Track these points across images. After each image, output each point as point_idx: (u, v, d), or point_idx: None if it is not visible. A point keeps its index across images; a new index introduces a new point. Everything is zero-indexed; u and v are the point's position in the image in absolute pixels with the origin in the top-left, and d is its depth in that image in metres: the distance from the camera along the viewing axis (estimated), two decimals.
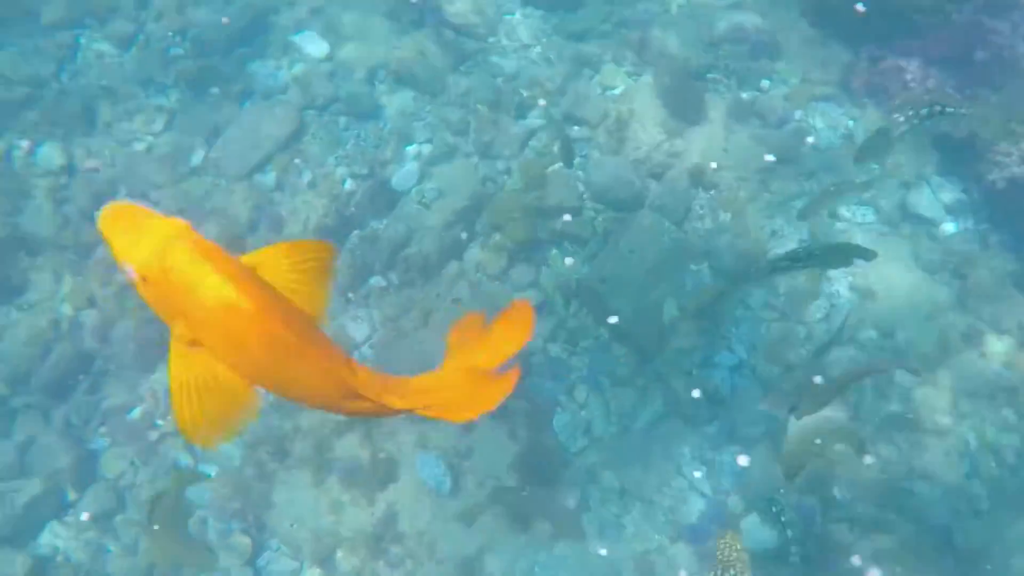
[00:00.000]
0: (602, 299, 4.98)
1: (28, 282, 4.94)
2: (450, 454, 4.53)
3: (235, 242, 4.95)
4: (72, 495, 4.52)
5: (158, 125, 5.40)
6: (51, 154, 5.22)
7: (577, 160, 5.15)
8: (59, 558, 4.41)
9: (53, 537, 4.46)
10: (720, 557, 3.17)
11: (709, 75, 5.75)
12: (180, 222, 1.66)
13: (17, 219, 5.04)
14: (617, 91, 5.59)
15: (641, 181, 5.22)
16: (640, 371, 5.07)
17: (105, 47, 5.68)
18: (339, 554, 4.37)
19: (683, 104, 5.36)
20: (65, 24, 5.65)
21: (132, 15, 5.72)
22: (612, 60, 5.65)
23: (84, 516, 4.48)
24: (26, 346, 4.70)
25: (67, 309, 4.89)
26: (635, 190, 5.20)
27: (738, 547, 3.18)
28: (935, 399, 5.05)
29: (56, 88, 5.49)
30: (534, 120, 5.45)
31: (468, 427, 4.59)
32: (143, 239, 1.61)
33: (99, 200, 5.24)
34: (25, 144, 5.27)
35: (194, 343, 1.65)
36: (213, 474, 4.58)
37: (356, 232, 5.06)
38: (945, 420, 4.85)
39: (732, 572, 3.10)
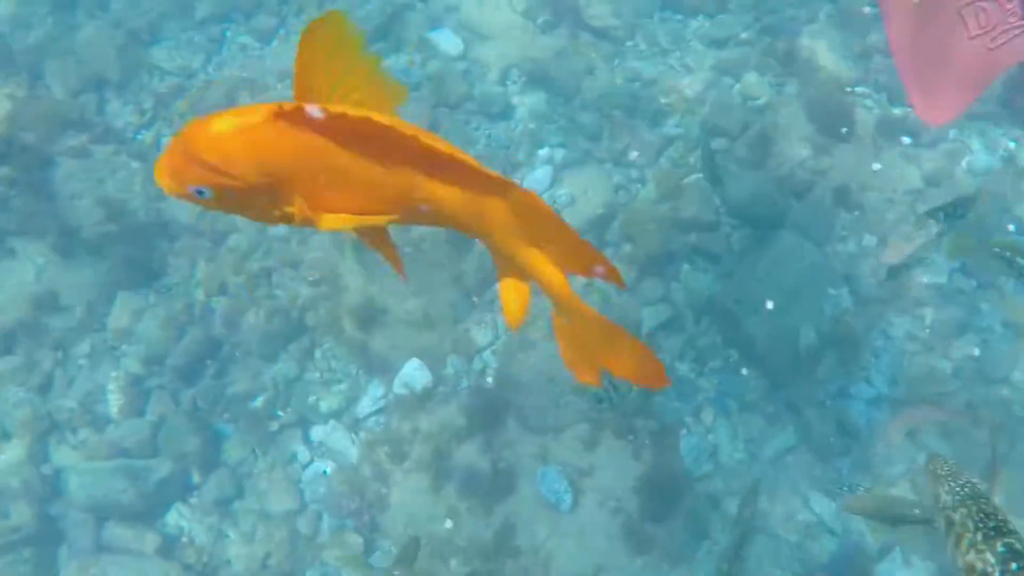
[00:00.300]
0: (735, 320, 4.72)
1: (166, 266, 5.00)
2: (572, 470, 4.40)
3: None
4: (197, 478, 4.54)
5: None
6: None
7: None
8: (184, 539, 4.44)
9: (179, 517, 4.51)
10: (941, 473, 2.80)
11: (858, 88, 5.38)
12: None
13: (160, 205, 5.10)
14: (760, 102, 5.30)
15: (783, 198, 4.92)
16: (770, 397, 4.79)
17: (248, 40, 5.71)
18: (452, 563, 4.25)
19: (830, 119, 5.06)
20: (215, 18, 5.70)
21: (275, 10, 5.72)
22: (755, 69, 5.35)
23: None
24: (162, 329, 4.77)
25: (200, 295, 4.92)
26: (776, 207, 4.93)
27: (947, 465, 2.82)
28: None
29: (203, 78, 5.54)
30: (671, 128, 5.20)
31: (592, 445, 4.42)
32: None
33: None
34: (170, 133, 5.34)
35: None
36: (329, 471, 4.53)
37: None
38: None
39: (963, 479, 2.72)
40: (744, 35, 5.63)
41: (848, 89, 5.44)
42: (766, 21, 5.65)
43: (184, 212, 5.26)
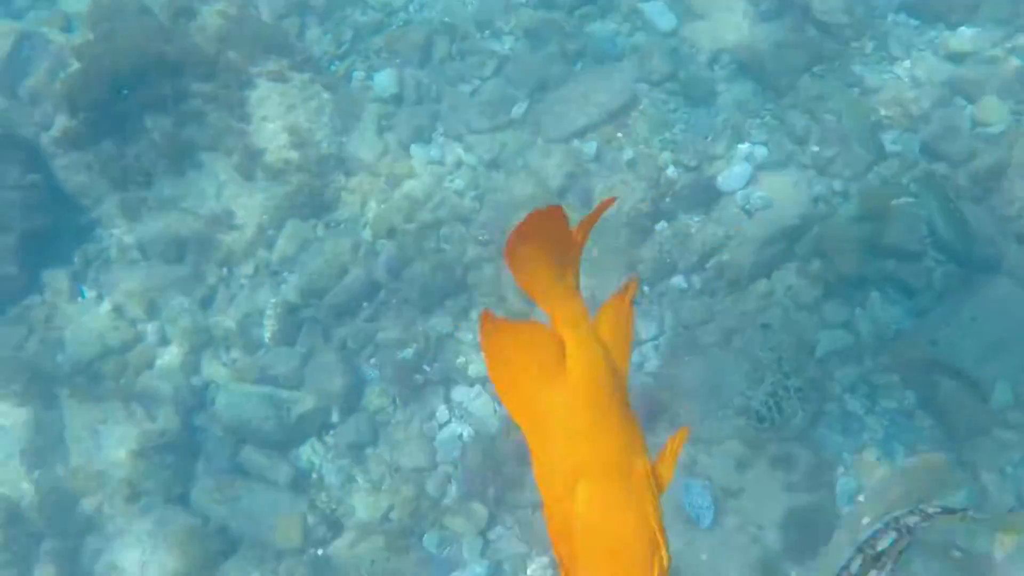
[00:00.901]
0: (927, 363, 4.23)
1: (339, 201, 4.88)
2: (718, 488, 4.02)
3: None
4: (336, 417, 4.44)
5: (488, 70, 5.16)
6: (386, 81, 5.13)
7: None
8: (314, 475, 4.36)
9: (312, 454, 4.43)
10: None
11: None
12: None
13: (343, 139, 4.98)
14: (994, 130, 4.70)
15: (1004, 241, 4.35)
16: (944, 451, 4.29)
17: None
18: None
19: None
20: None
21: None
22: (996, 93, 4.73)
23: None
24: (327, 264, 4.67)
25: (368, 235, 4.78)
26: (994, 250, 4.39)
27: None
28: None
29: (403, 18, 5.36)
30: (888, 144, 4.68)
31: (744, 465, 4.06)
32: None
33: (419, 134, 5.09)
34: (364, 68, 5.21)
35: None
36: (466, 436, 4.33)
37: (665, 224, 4.57)
38: None
39: None
40: (991, 52, 4.97)
41: None
42: (1022, 40, 4.97)
43: (365, 149, 5.13)
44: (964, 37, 5.15)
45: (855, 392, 4.56)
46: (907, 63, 5.17)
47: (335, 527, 4.39)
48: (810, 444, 4.37)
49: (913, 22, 5.33)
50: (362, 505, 4.42)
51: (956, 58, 5.14)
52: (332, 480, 4.54)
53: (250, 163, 5.01)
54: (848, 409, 4.52)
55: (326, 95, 5.27)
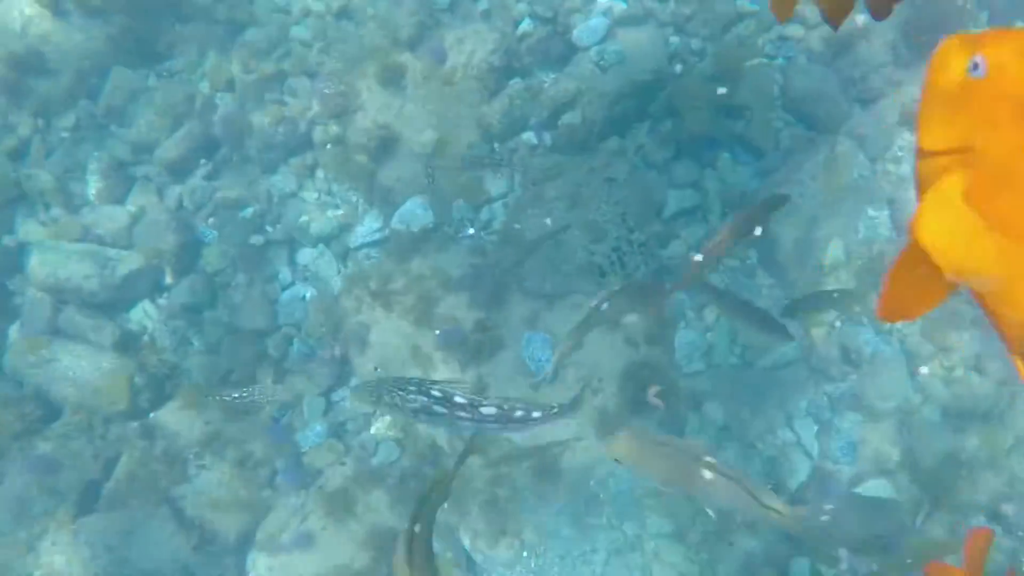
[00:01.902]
0: (767, 225, 4.09)
1: (173, 50, 4.32)
2: (560, 341, 3.83)
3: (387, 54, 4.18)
4: (169, 279, 4.01)
5: None
6: None
7: (779, 60, 4.16)
8: (145, 338, 3.95)
9: (143, 316, 4.03)
10: None
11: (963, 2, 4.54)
12: None
13: None
14: None
15: (847, 102, 4.19)
16: (779, 307, 4.24)
17: None
18: None
19: (923, 28, 4.24)
20: None
21: None
22: None
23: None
24: (158, 115, 4.18)
25: (205, 87, 4.26)
26: (837, 110, 4.22)
27: None
28: None
29: None
30: (745, 3, 4.41)
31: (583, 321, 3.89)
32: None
33: None
34: None
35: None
36: (308, 296, 3.99)
37: (518, 80, 4.21)
38: None
39: None
40: None
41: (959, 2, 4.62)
42: None
43: None
44: None
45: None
46: None
47: (166, 391, 4.03)
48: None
49: None
50: (198, 367, 4.07)
51: None
52: (165, 343, 4.15)
53: None
54: None
55: None
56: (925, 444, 4.21)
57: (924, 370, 4.33)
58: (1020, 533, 4.12)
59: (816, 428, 4.26)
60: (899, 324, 4.35)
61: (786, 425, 4.27)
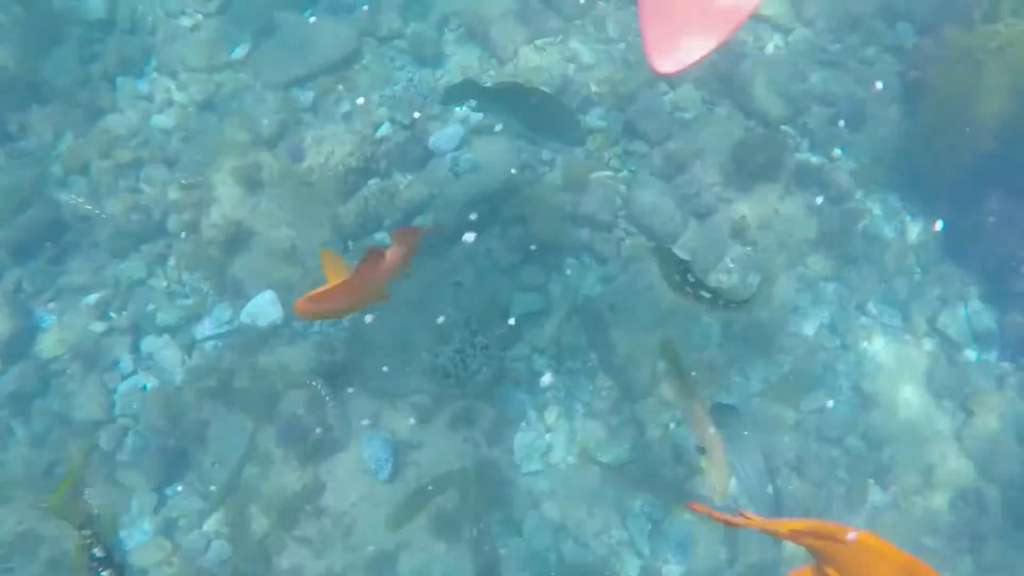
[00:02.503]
0: (604, 326, 4.20)
1: (28, 130, 4.15)
2: (400, 441, 3.82)
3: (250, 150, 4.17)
4: None
5: (212, 6, 4.55)
6: (96, 5, 4.39)
7: (623, 173, 4.34)
8: None
9: None
10: None
11: (784, 127, 4.85)
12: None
13: (39, 62, 4.24)
14: (688, 116, 4.72)
15: (682, 217, 4.40)
16: (619, 409, 4.32)
17: None
18: (252, 509, 3.66)
19: (750, 150, 4.49)
20: None
21: None
22: (692, 82, 4.75)
23: None
24: (4, 197, 3.95)
25: (58, 170, 4.12)
26: (673, 224, 4.42)
27: None
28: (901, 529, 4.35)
29: None
30: (595, 118, 4.60)
31: (426, 418, 3.86)
32: None
33: (127, 66, 4.42)
34: None
35: None
36: (149, 387, 3.84)
37: (376, 180, 4.25)
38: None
39: None
40: None
41: (775, 125, 4.93)
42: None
43: (62, 76, 4.41)
44: None
45: (544, 353, 4.52)
46: (623, 46, 5.13)
47: None
48: (494, 400, 4.26)
49: (635, 9, 5.27)
50: (17, 459, 3.83)
51: None
52: None
53: None
54: (535, 368, 4.47)
55: (18, 10, 4.46)
56: (750, 543, 4.35)
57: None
58: None
59: (649, 527, 4.34)
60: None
61: (620, 524, 4.33)
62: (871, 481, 4.53)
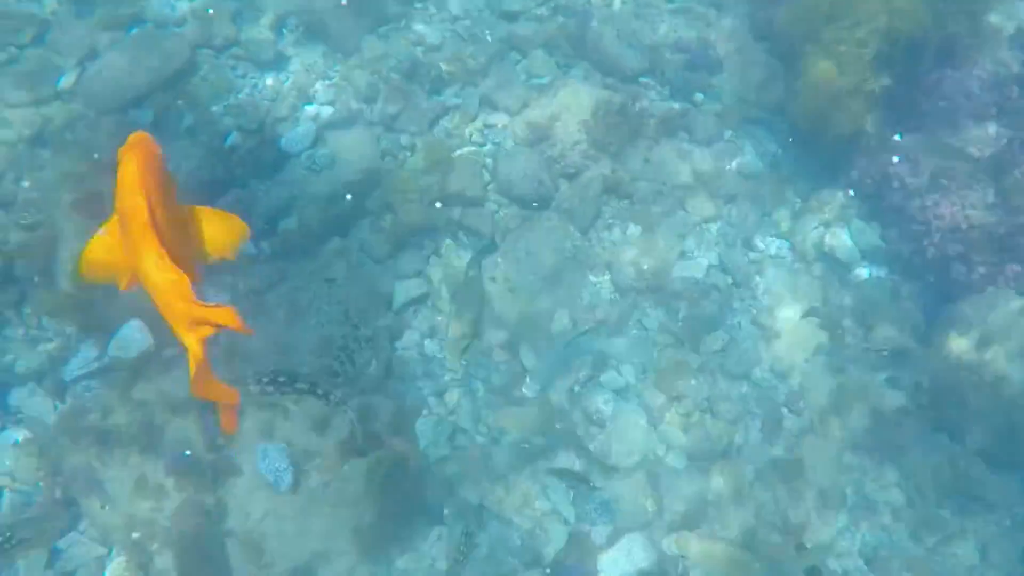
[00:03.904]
0: (489, 300, 4.50)
1: None
2: (296, 448, 4.02)
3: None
4: None
5: (26, 36, 4.68)
6: None
7: (487, 147, 4.67)
8: None
9: None
10: None
11: (642, 79, 5.29)
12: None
13: None
14: (543, 80, 5.09)
15: (552, 180, 4.86)
16: (520, 381, 4.61)
17: None
18: (154, 546, 3.80)
19: (609, 105, 4.89)
20: None
21: None
22: (544, 47, 5.14)
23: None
24: None
25: None
26: (544, 189, 4.88)
27: None
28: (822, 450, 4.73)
29: None
30: (450, 98, 4.93)
31: (320, 423, 4.06)
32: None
33: None
34: None
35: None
36: (21, 439, 3.94)
37: (235, 191, 4.47)
38: (826, 472, 4.57)
39: None
40: (537, 11, 5.41)
41: (633, 79, 5.34)
42: (561, 1, 5.47)
43: None
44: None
45: (434, 336, 4.79)
46: (468, 22, 5.55)
47: None
48: (389, 393, 4.49)
49: None
50: None
51: (510, 16, 5.56)
52: None
53: None
54: (427, 354, 4.73)
55: None
56: (675, 491, 4.67)
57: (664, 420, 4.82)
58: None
59: (572, 494, 4.62)
60: (632, 380, 4.84)
61: (542, 495, 4.59)
62: (784, 410, 4.95)
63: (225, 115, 4.91)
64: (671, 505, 4.67)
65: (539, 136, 5.17)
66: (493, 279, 4.71)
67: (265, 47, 5.18)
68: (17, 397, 4.37)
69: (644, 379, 4.89)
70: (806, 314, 5.02)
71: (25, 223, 4.50)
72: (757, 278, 5.27)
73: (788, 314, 5.14)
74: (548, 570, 4.41)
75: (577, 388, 4.80)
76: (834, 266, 5.30)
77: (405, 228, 4.82)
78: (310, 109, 5.05)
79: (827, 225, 5.39)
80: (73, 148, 4.72)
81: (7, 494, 4.16)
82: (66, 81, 4.92)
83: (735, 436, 4.85)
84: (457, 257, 4.94)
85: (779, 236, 5.38)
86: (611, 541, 4.52)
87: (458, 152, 5.09)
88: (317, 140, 4.93)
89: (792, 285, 5.24)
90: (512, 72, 5.38)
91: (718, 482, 4.80)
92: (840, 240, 5.34)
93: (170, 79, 4.95)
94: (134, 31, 5.15)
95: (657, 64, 5.61)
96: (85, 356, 4.40)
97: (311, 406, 4.40)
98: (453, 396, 4.71)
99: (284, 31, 5.32)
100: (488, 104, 5.27)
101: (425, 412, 4.62)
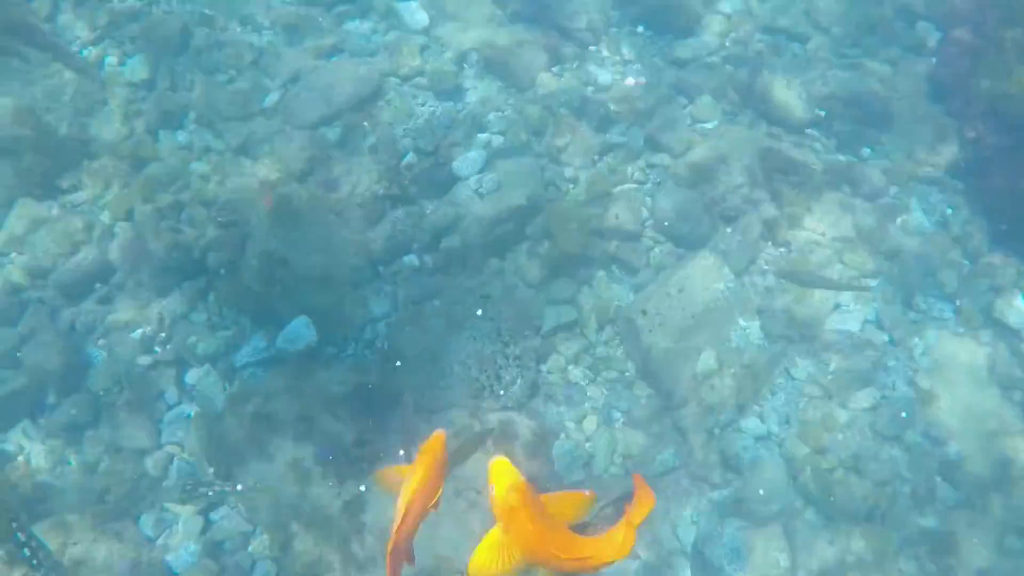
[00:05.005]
0: (638, 332, 4.37)
1: (80, 183, 4.67)
2: None
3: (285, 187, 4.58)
4: (52, 398, 4.16)
5: (244, 61, 5.06)
6: (138, 68, 5.06)
7: (648, 185, 4.62)
8: (20, 458, 4.06)
9: (22, 435, 4.18)
10: None
11: (808, 130, 5.09)
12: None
13: (87, 120, 4.79)
14: (708, 125, 4.99)
15: (711, 221, 4.67)
16: (659, 416, 4.46)
17: None
18: (294, 527, 3.87)
19: (774, 154, 4.73)
20: None
21: None
22: (711, 93, 5.05)
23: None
24: (56, 242, 4.49)
25: (105, 217, 4.66)
26: (702, 229, 4.74)
27: None
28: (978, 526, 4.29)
29: (164, 8, 5.21)
30: (615, 136, 4.91)
31: (464, 434, 4.09)
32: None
33: (168, 119, 4.92)
34: (117, 54, 5.43)
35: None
36: (192, 414, 4.15)
37: (404, 207, 4.59)
38: (982, 553, 4.12)
39: None
40: (707, 59, 5.35)
41: (799, 129, 5.18)
42: (734, 50, 5.39)
43: (109, 131, 4.97)
44: (688, 44, 5.53)
45: (579, 363, 4.72)
46: (638, 66, 5.53)
47: (37, 514, 4.07)
48: (532, 414, 4.44)
49: (649, 32, 5.68)
50: (73, 487, 4.16)
51: (680, 63, 5.50)
52: (40, 462, 4.29)
53: None
54: (571, 379, 4.66)
55: (68, 74, 5.06)
56: (811, 548, 4.35)
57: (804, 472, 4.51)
58: None
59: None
60: (776, 428, 4.59)
61: (671, 533, 4.38)
62: (938, 479, 4.52)
63: (404, 137, 5.12)
64: (806, 562, 4.35)
65: (701, 177, 5.08)
66: (644, 312, 4.59)
67: (447, 78, 5.39)
68: (194, 376, 4.67)
69: (787, 429, 4.62)
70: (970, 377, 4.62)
71: (222, 220, 4.83)
72: (916, 339, 4.91)
73: (948, 379, 4.74)
74: None
75: (716, 431, 4.59)
76: (1003, 333, 4.86)
77: (561, 256, 4.84)
78: (482, 136, 5.19)
79: (998, 291, 4.97)
80: (268, 158, 5.04)
81: (176, 462, 4.43)
82: (271, 100, 5.29)
83: (881, 500, 4.48)
84: (608, 288, 4.88)
85: (942, 298, 5.00)
86: None
87: (619, 188, 5.06)
88: (486, 166, 5.08)
89: (954, 349, 4.84)
90: (678, 115, 5.32)
91: (859, 545, 4.44)
92: (1013, 307, 4.90)
93: (359, 102, 5.24)
94: (333, 59, 5.50)
95: (825, 117, 5.40)
96: (256, 345, 4.65)
97: (456, 416, 4.43)
98: (591, 424, 4.61)
99: (465, 65, 5.52)
100: (652, 144, 5.22)
101: (563, 436, 4.54)
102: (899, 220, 5.24)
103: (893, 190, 5.34)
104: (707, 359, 4.76)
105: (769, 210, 5.10)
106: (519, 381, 4.58)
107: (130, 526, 4.34)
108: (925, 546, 4.44)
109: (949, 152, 5.41)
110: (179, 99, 5.39)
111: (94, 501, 4.27)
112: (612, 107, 5.44)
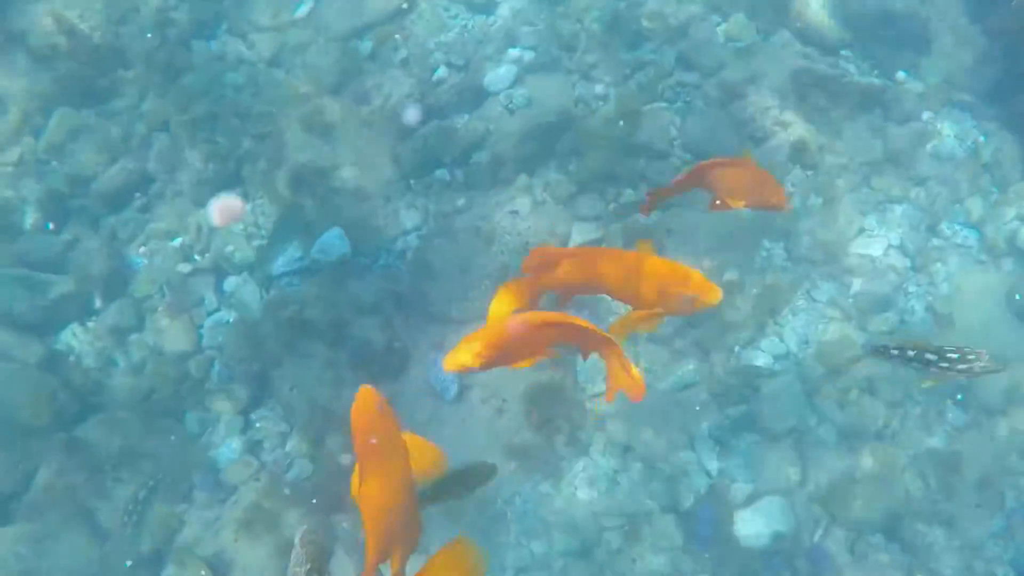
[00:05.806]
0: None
1: (114, 92, 4.69)
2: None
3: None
4: (99, 303, 4.28)
5: None
6: None
7: (678, 104, 4.51)
8: (71, 358, 4.20)
9: (71, 337, 4.31)
10: None
11: (843, 51, 4.92)
12: None
13: (120, 29, 4.71)
14: (741, 44, 4.84)
15: (740, 141, 4.59)
16: (681, 333, 4.49)
17: None
18: (328, 429, 4.00)
19: (806, 75, 4.61)
20: None
21: None
22: (745, 11, 4.88)
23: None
24: (96, 152, 4.53)
25: (142, 127, 4.61)
26: (730, 149, 4.56)
27: None
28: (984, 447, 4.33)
29: None
30: (646, 53, 4.78)
31: None
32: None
33: (201, 28, 4.83)
34: None
35: None
36: (232, 320, 4.24)
37: (436, 121, 4.54)
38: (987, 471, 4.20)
39: None
40: None
41: (833, 50, 5.01)
42: None
43: (141, 42, 4.89)
44: None
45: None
46: None
47: (90, 407, 4.24)
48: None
49: None
50: (122, 387, 4.31)
51: None
52: (90, 362, 4.40)
53: (11, 45, 4.69)
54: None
55: None
56: (821, 463, 4.43)
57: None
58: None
59: (717, 448, 4.48)
60: (794, 348, 4.62)
61: (688, 446, 4.48)
62: (949, 401, 4.56)
63: (436, 51, 5.04)
64: (815, 476, 4.45)
65: (731, 97, 4.96)
66: (669, 232, 4.58)
67: None
68: (232, 284, 4.79)
69: (805, 349, 4.65)
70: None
71: (255, 133, 4.82)
72: (938, 264, 4.87)
73: (967, 306, 4.72)
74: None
75: (737, 348, 4.63)
76: None
77: (589, 173, 4.80)
78: (514, 52, 5.11)
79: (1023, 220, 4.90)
80: (301, 70, 4.98)
81: (216, 365, 4.57)
82: (303, 10, 5.20)
83: (892, 420, 4.54)
84: (634, 206, 4.85)
85: (968, 225, 4.94)
86: (750, 500, 4.37)
87: (649, 106, 4.97)
88: (517, 81, 5.01)
89: (975, 277, 4.81)
90: (711, 33, 5.17)
91: (867, 462, 4.53)
92: None
93: (391, 15, 5.14)
94: None
95: (861, 37, 5.22)
96: (291, 255, 4.72)
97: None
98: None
99: None
100: (683, 62, 5.09)
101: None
102: (930, 146, 5.15)
103: (926, 115, 5.21)
104: (730, 278, 4.79)
105: (798, 131, 5.04)
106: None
107: (175, 424, 4.54)
108: (931, 465, 4.55)
109: (985, 76, 5.25)
110: (210, 8, 5.33)
111: (141, 399, 4.53)
112: (645, 23, 5.31)
